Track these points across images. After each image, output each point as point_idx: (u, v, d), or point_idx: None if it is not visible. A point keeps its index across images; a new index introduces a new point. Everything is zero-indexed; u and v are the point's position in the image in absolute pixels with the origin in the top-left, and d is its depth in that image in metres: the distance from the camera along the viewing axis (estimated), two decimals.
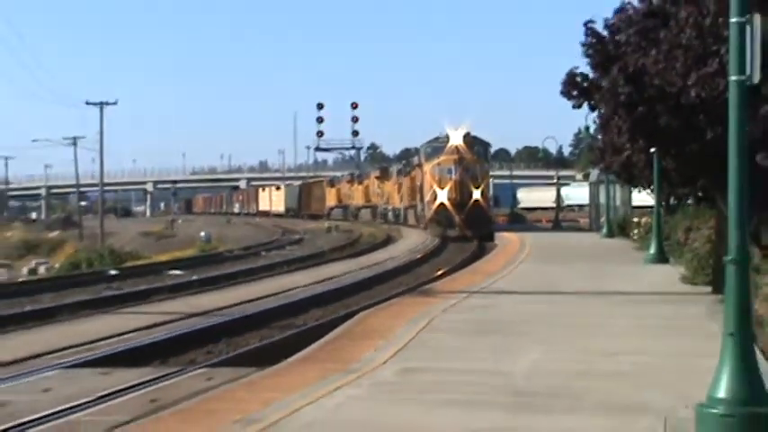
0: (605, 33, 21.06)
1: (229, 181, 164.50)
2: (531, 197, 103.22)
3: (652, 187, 29.67)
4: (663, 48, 17.76)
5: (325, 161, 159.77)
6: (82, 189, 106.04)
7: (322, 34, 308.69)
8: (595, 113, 25.12)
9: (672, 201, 33.61)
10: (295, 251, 50.70)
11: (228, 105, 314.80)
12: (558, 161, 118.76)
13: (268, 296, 25.67)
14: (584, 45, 20.68)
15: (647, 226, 36.28)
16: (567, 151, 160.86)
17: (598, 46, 20.57)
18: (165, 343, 17.48)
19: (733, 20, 8.92)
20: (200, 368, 14.73)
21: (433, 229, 51.47)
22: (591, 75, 21.17)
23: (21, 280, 43.51)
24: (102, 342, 17.72)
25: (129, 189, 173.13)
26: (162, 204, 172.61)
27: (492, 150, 61.07)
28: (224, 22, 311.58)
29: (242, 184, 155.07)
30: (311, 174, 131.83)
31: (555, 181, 77.68)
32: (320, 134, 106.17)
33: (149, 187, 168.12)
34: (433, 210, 51.92)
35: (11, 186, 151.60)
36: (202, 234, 69.81)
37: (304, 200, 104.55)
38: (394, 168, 70.82)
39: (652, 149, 23.28)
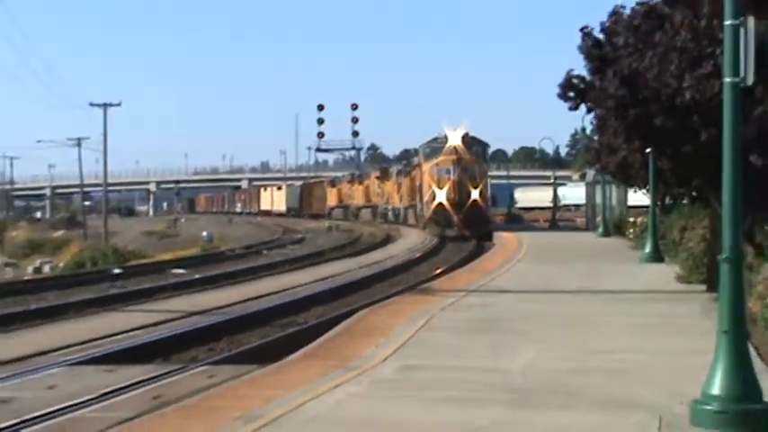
0: (602, 37, 21.10)
1: (231, 181, 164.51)
2: (528, 197, 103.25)
3: (648, 187, 29.70)
4: (658, 50, 17.77)
5: (325, 162, 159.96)
6: (86, 189, 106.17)
7: (322, 35, 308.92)
8: (592, 115, 25.21)
9: (667, 200, 33.61)
10: (296, 250, 50.71)
11: (230, 106, 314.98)
12: (555, 161, 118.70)
13: (269, 294, 25.66)
14: (580, 49, 20.73)
15: (642, 225, 36.28)
16: (563, 152, 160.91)
17: (595, 50, 20.60)
18: (167, 341, 17.49)
19: (727, 22, 8.94)
20: (202, 365, 14.73)
21: (431, 228, 51.45)
22: (588, 77, 21.21)
23: (26, 278, 43.52)
24: (106, 340, 17.72)
25: (133, 189, 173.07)
26: (165, 204, 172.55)
27: (490, 151, 61.01)
28: (225, 22, 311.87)
29: (244, 184, 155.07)
30: (312, 174, 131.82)
31: (552, 181, 77.66)
32: (321, 135, 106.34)
33: (152, 187, 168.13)
34: (432, 209, 51.92)
35: (16, 186, 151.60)
36: (205, 233, 69.81)
37: (305, 200, 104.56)
38: (394, 169, 70.82)
39: (647, 150, 23.32)
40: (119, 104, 77.30)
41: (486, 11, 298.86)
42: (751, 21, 8.89)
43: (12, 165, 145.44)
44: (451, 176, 51.51)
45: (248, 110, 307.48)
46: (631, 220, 41.89)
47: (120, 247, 59.24)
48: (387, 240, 52.51)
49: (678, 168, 21.78)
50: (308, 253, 46.15)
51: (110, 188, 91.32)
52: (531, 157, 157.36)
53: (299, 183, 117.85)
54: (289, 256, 45.08)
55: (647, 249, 29.46)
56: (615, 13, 20.55)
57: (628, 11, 20.40)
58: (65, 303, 24.97)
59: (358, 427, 9.10)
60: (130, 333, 18.59)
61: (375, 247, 47.94)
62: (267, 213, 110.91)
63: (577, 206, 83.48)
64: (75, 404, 11.47)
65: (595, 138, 31.00)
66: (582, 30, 20.67)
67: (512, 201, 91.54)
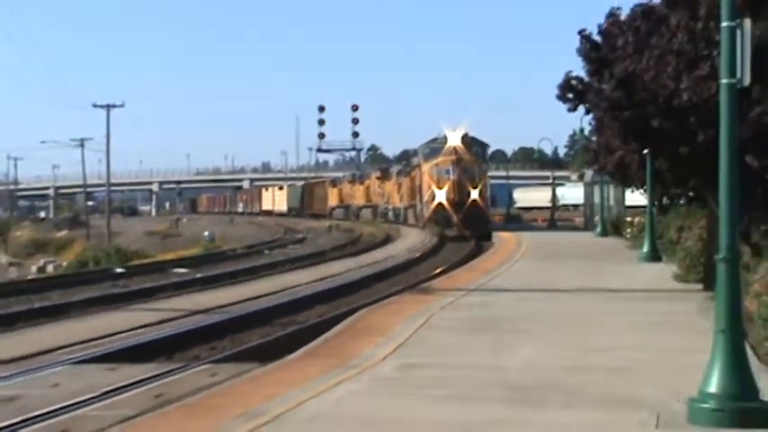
0: (599, 39, 21.11)
1: (233, 181, 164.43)
2: (527, 197, 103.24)
3: (645, 187, 29.70)
4: (654, 53, 17.78)
5: (326, 162, 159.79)
6: (89, 189, 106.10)
7: (322, 36, 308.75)
8: (590, 116, 25.22)
9: (664, 200, 33.60)
10: (297, 250, 50.71)
11: (231, 107, 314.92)
12: (554, 162, 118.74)
13: (270, 294, 25.65)
14: (579, 51, 20.75)
15: (640, 225, 36.29)
16: (562, 152, 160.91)
17: (593, 52, 20.62)
18: (170, 339, 17.49)
19: (724, 24, 8.95)
20: (204, 364, 14.74)
21: (431, 228, 51.38)
22: (586, 79, 21.22)
23: (30, 278, 43.56)
24: (109, 338, 17.72)
25: (135, 189, 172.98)
26: (167, 204, 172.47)
27: (489, 151, 60.96)
28: (226, 23, 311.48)
29: (245, 185, 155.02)
30: (313, 174, 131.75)
31: (550, 181, 77.67)
32: (321, 136, 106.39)
33: (155, 187, 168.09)
34: (432, 209, 51.84)
35: (20, 187, 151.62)
36: (206, 233, 69.80)
37: (306, 200, 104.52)
38: (394, 169, 70.77)
39: (645, 151, 23.34)
40: (122, 105, 77.28)
41: (486, 12, 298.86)
42: (747, 22, 8.90)
43: (16, 165, 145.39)
44: (451, 177, 51.41)
45: (249, 110, 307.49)
46: (629, 219, 41.90)
47: (123, 247, 59.28)
48: (387, 240, 52.48)
49: (675, 169, 21.81)
50: (308, 253, 46.14)
51: (113, 188, 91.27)
52: (529, 157, 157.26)
53: (301, 183, 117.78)
54: (290, 255, 45.08)
55: (645, 249, 29.48)
56: (612, 15, 20.58)
57: (624, 13, 20.45)
58: (68, 302, 24.97)
59: (358, 425, 9.10)
60: (133, 332, 18.59)
61: (375, 246, 47.90)
62: (268, 213, 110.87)
63: (576, 206, 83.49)
64: (79, 402, 11.48)
65: (593, 138, 31.03)
66: (580, 33, 20.70)
67: (511, 201, 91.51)
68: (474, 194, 51.36)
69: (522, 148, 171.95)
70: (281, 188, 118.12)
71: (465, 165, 51.75)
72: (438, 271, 30.79)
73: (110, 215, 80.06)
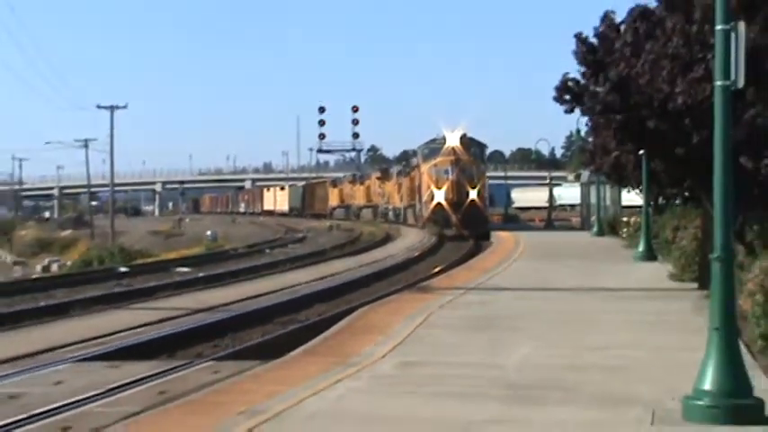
0: (595, 41, 21.11)
1: (235, 181, 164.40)
2: (524, 197, 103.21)
3: (641, 188, 29.71)
4: (649, 57, 17.77)
5: (326, 162, 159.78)
6: (93, 189, 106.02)
7: (323, 38, 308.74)
8: (586, 117, 25.20)
9: (660, 201, 33.58)
10: (297, 249, 50.69)
11: (233, 108, 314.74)
12: (551, 162, 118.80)
13: (271, 292, 25.65)
14: (575, 54, 20.75)
15: (636, 225, 36.28)
16: (559, 153, 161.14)
17: (589, 55, 20.62)
18: (172, 337, 17.48)
19: (718, 27, 8.95)
20: (206, 361, 14.72)
21: (430, 228, 51.35)
22: (582, 81, 21.22)
23: (35, 277, 43.57)
24: (113, 336, 17.72)
25: (139, 189, 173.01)
26: (170, 204, 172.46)
27: (488, 152, 60.90)
28: (228, 25, 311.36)
29: (247, 185, 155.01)
30: (314, 175, 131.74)
31: (548, 182, 77.62)
32: (322, 137, 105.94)
33: (158, 187, 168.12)
34: (431, 209, 51.79)
35: (25, 187, 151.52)
36: (209, 233, 69.80)
37: (308, 200, 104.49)
38: (394, 169, 70.73)
39: (641, 152, 23.33)
40: (125, 107, 77.35)
41: (484, 14, 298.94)
42: (741, 25, 8.91)
43: (21, 166, 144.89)
44: (450, 177, 51.35)
45: (251, 111, 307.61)
46: (625, 219, 41.87)
47: (127, 246, 59.29)
48: (386, 239, 52.46)
49: (671, 169, 21.80)
50: (309, 252, 46.14)
51: (116, 188, 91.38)
52: (527, 158, 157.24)
53: (302, 183, 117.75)
54: (290, 254, 45.07)
55: (641, 248, 29.48)
56: (606, 18, 20.59)
57: (619, 16, 20.45)
58: (72, 301, 24.98)
59: (358, 422, 9.10)
60: (136, 330, 18.60)
61: (375, 246, 47.89)
62: (270, 213, 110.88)
63: (572, 206, 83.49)
64: (82, 399, 11.47)
65: (590, 139, 31.03)
66: (576, 36, 20.70)
67: (509, 201, 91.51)
68: (472, 194, 51.30)
69: (519, 149, 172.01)
70: (282, 188, 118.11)
71: (463, 165, 51.69)
72: (437, 270, 30.79)
73: (113, 215, 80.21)
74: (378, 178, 74.97)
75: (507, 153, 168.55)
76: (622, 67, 18.75)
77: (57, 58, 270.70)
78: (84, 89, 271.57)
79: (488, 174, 59.05)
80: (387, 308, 18.14)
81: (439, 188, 51.48)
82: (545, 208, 73.06)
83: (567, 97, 21.30)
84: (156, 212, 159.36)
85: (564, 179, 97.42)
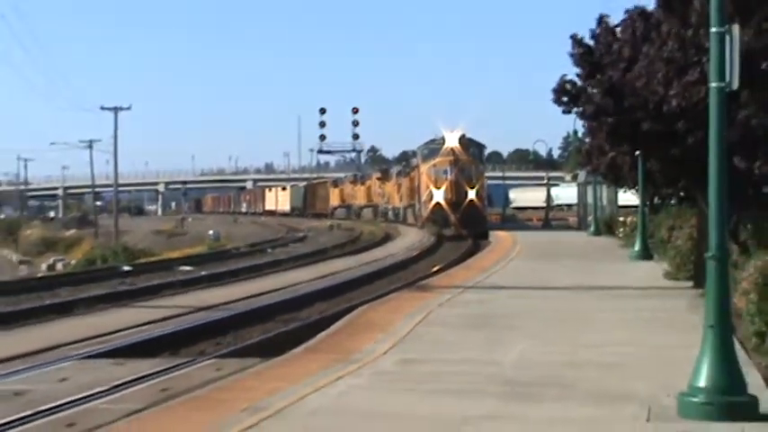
0: (592, 43, 21.12)
1: (237, 182, 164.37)
2: (522, 197, 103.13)
3: (637, 188, 29.72)
4: (645, 61, 17.78)
5: (327, 163, 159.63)
6: (97, 189, 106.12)
7: (323, 38, 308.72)
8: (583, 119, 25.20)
9: (656, 200, 33.62)
10: (299, 248, 50.66)
11: (235, 109, 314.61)
12: (548, 163, 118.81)
13: (273, 291, 25.64)
14: (572, 56, 20.77)
15: (632, 224, 36.29)
16: (556, 154, 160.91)
17: (585, 56, 20.63)
18: (175, 335, 17.48)
19: (713, 30, 8.96)
20: (209, 359, 14.73)
21: (429, 227, 51.28)
22: (579, 83, 21.23)
23: (40, 275, 43.55)
24: (117, 334, 17.71)
25: (142, 189, 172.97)
26: (173, 204, 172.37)
27: (486, 152, 60.84)
28: (229, 27, 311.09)
29: (248, 185, 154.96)
30: (314, 175, 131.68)
31: (545, 182, 77.69)
32: (323, 137, 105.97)
33: (161, 188, 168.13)
34: (430, 209, 51.72)
35: (30, 187, 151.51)
36: (211, 232, 69.77)
37: (309, 200, 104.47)
38: (394, 170, 70.71)
39: (637, 152, 23.36)
40: (128, 108, 77.14)
41: (483, 15, 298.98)
42: (736, 28, 8.93)
43: (26, 166, 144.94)
44: (448, 177, 51.27)
45: (252, 112, 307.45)
46: (621, 219, 41.87)
47: (130, 246, 59.23)
48: (386, 239, 52.42)
49: (666, 170, 21.84)
50: (310, 251, 46.12)
51: (120, 189, 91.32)
52: (525, 158, 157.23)
53: (303, 183, 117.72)
54: (292, 253, 45.03)
55: (637, 247, 29.50)
56: (602, 21, 20.62)
57: (615, 19, 20.48)
58: (76, 299, 24.96)
59: (358, 418, 9.11)
60: (139, 328, 18.60)
61: (375, 245, 47.87)
62: (271, 213, 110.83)
63: (569, 206, 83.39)
64: (86, 396, 11.47)
65: (587, 140, 31.02)
66: (572, 37, 20.72)
67: (507, 201, 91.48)
68: (471, 194, 51.22)
69: (517, 150, 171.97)
70: (284, 188, 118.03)
71: (462, 165, 51.62)
72: (436, 269, 30.77)
73: (117, 214, 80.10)
74: (378, 178, 74.96)
75: (505, 154, 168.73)
76: (620, 68, 18.78)
77: (59, 60, 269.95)
78: (86, 90, 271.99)
79: (487, 174, 59.02)
80: (387, 306, 18.15)
81: (438, 188, 51.42)
82: (542, 208, 73.04)
83: (565, 99, 21.33)
84: (159, 212, 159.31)
85: (561, 179, 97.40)
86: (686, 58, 16.58)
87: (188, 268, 37.77)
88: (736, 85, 8.91)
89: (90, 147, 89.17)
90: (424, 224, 52.57)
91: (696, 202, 20.84)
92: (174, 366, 13.80)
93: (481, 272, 25.48)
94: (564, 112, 21.78)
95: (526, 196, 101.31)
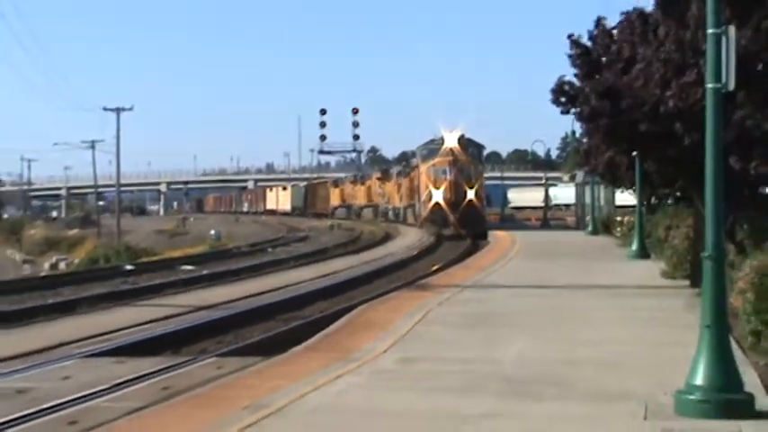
0: (589, 44, 21.14)
1: (238, 182, 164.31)
2: (521, 197, 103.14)
3: (634, 188, 29.71)
4: (643, 63, 17.79)
5: (327, 163, 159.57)
6: (100, 189, 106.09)
7: (324, 39, 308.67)
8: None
9: (653, 200, 33.62)
10: (299, 248, 50.65)
11: (236, 110, 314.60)
12: (546, 163, 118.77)
13: (274, 290, 25.64)
14: (570, 58, 20.79)
15: (629, 224, 36.31)
16: (554, 154, 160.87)
17: (583, 57, 20.65)
18: (177, 334, 17.47)
19: (710, 31, 8.96)
20: (210, 357, 14.72)
21: (428, 227, 51.21)
22: (577, 83, 21.26)
23: (43, 274, 43.57)
24: (119, 333, 17.71)
25: (144, 189, 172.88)
26: (175, 204, 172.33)
27: (485, 153, 60.78)
28: (230, 28, 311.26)
29: (250, 185, 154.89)
30: (315, 175, 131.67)
31: (543, 182, 77.64)
32: (323, 138, 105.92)
33: (163, 188, 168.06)
34: (429, 209, 51.66)
35: (33, 187, 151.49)
36: (212, 232, 69.75)
37: (310, 199, 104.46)
38: (394, 170, 70.69)
39: (634, 153, 23.37)
40: (131, 109, 77.13)
41: (482, 17, 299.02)
42: (732, 30, 8.93)
43: (29, 166, 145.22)
44: (448, 177, 51.20)
45: (253, 113, 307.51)
46: (619, 219, 41.90)
47: (132, 245, 59.23)
48: (386, 238, 52.39)
49: (663, 170, 21.85)
50: (311, 250, 46.11)
51: (122, 189, 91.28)
52: (523, 159, 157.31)
53: (304, 183, 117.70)
54: (292, 253, 45.02)
55: (634, 247, 29.50)
56: (599, 23, 20.64)
57: (612, 21, 20.51)
58: (79, 298, 24.96)
59: (358, 416, 9.10)
60: (141, 326, 18.59)
61: (375, 244, 47.86)
62: (272, 213, 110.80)
63: (567, 206, 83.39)
64: (89, 394, 11.47)
65: (584, 141, 31.04)
66: (569, 37, 20.74)
67: (505, 201, 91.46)
68: (470, 194, 51.13)
69: (516, 150, 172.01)
70: (284, 188, 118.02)
71: (461, 165, 51.56)
72: (435, 268, 30.76)
73: (120, 214, 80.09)
74: (378, 179, 74.95)
75: (504, 154, 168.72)
76: (618, 68, 18.79)
77: (60, 60, 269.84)
78: (88, 90, 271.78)
79: (485, 174, 58.97)
80: (386, 305, 18.15)
81: (437, 188, 51.36)
82: (541, 208, 73.03)
83: (563, 99, 21.36)
84: (161, 212, 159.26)
85: (559, 180, 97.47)
86: (684, 59, 16.58)
87: (190, 267, 37.77)
88: (732, 85, 8.91)
89: (92, 147, 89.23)
90: (424, 224, 52.50)
91: (693, 202, 20.84)
92: (175, 365, 13.78)
93: (480, 271, 25.48)
94: (562, 112, 21.83)
95: (524, 196, 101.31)
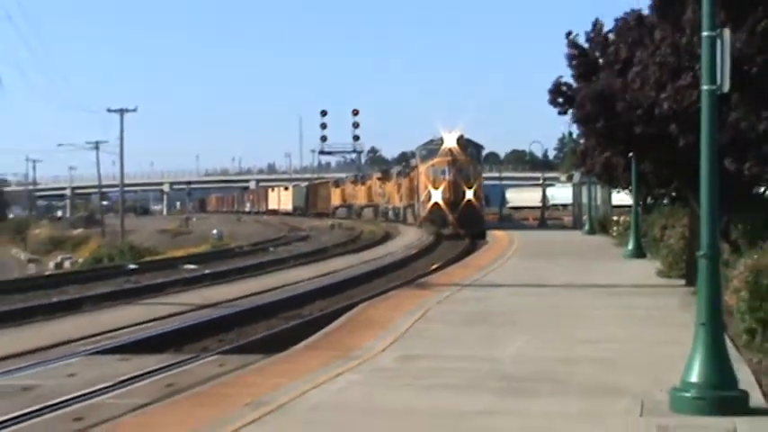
0: (586, 45, 21.13)
1: (240, 182, 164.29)
2: (518, 197, 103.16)
3: (630, 188, 29.73)
4: (639, 66, 17.79)
5: (328, 164, 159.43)
6: (104, 189, 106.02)
7: (324, 40, 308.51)
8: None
9: (649, 200, 33.64)
10: (300, 247, 50.64)
11: (238, 110, 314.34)
12: (544, 164, 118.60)
13: (275, 288, 25.65)
14: (567, 57, 20.78)
15: (625, 224, 36.29)
16: (552, 155, 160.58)
17: (580, 57, 20.64)
18: (180, 332, 17.48)
19: (705, 34, 8.97)
20: (212, 355, 14.73)
21: (427, 227, 51.18)
22: (574, 84, 21.25)
23: (48, 273, 43.56)
24: (123, 331, 17.72)
25: (148, 189, 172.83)
26: (177, 204, 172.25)
27: (483, 153, 60.72)
28: (232, 30, 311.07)
29: (251, 185, 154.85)
30: (316, 175, 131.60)
31: (541, 182, 77.63)
32: (324, 139, 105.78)
33: (166, 188, 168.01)
34: (428, 209, 51.63)
35: (38, 187, 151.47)
36: (215, 231, 69.73)
37: (311, 199, 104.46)
38: (394, 170, 70.68)
39: (630, 154, 23.38)
40: (134, 110, 77.12)
41: (481, 18, 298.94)
42: (726, 32, 8.94)
43: (35, 167, 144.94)
44: (447, 177, 51.16)
45: (255, 114, 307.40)
46: (615, 218, 41.89)
47: (136, 244, 59.17)
48: (386, 238, 52.36)
49: (659, 171, 21.86)
50: (311, 249, 46.10)
51: (126, 189, 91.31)
52: (521, 159, 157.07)
53: (305, 183, 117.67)
54: (294, 252, 45.03)
55: (630, 246, 29.50)
56: (596, 26, 20.64)
57: (608, 24, 20.52)
58: (84, 297, 24.97)
59: (358, 414, 9.11)
60: (145, 324, 18.59)
61: (375, 244, 47.84)
62: (274, 212, 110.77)
63: (565, 206, 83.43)
64: (94, 391, 11.48)
65: (581, 142, 31.04)
66: (567, 35, 20.74)
67: (504, 201, 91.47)
68: (469, 194, 51.09)
69: (513, 151, 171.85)
70: (286, 188, 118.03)
71: (460, 165, 51.53)
72: (434, 267, 30.75)
73: (123, 214, 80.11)
74: (378, 179, 74.94)
75: (502, 155, 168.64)
76: (615, 69, 18.78)
77: (64, 61, 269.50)
78: (91, 91, 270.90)
79: (484, 174, 58.92)
80: (386, 303, 18.15)
81: (436, 188, 51.33)
82: (538, 207, 72.99)
83: (560, 100, 21.36)
84: (164, 212, 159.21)
85: (557, 180, 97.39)
86: (679, 62, 16.59)
87: (192, 266, 37.77)
88: (727, 87, 8.92)
89: (96, 148, 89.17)
90: (423, 223, 52.47)
91: (688, 203, 20.85)
92: (178, 362, 13.80)
93: (479, 270, 25.48)
94: (559, 113, 21.84)
95: (522, 196, 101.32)
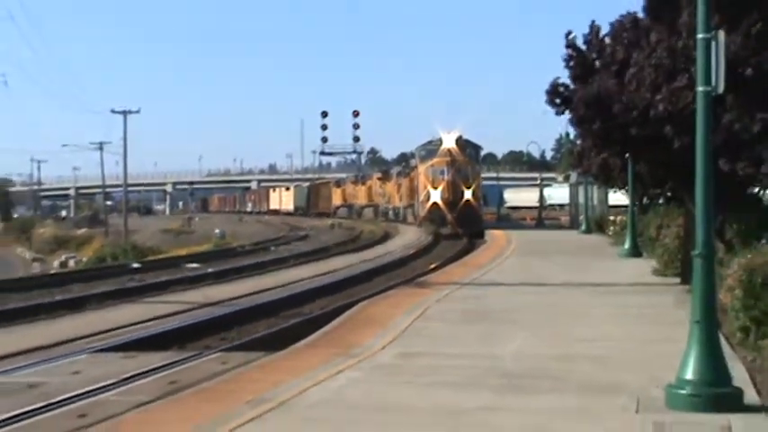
0: (584, 47, 21.14)
1: (242, 182, 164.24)
2: (516, 197, 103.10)
3: (627, 188, 29.74)
4: (633, 70, 17.80)
5: (329, 164, 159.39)
6: (107, 189, 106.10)
7: (325, 40, 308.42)
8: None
9: (644, 200, 33.64)
10: (301, 246, 50.65)
11: (240, 111, 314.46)
12: (541, 164, 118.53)
13: (277, 287, 25.66)
14: (564, 58, 20.79)
15: (622, 223, 36.31)
16: (549, 155, 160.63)
17: (577, 59, 20.64)
18: (183, 330, 17.49)
19: (700, 36, 8.98)
20: (215, 353, 14.74)
21: (426, 227, 51.17)
22: (572, 85, 21.26)
23: (52, 272, 43.59)
24: (126, 329, 17.73)
25: (151, 189, 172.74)
26: (180, 203, 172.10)
27: (482, 153, 60.74)
28: (234, 33, 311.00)
29: (253, 185, 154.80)
30: (316, 176, 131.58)
31: (538, 182, 77.58)
32: (324, 140, 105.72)
33: (169, 188, 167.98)
34: (427, 209, 51.64)
35: (43, 187, 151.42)
36: (217, 231, 69.76)
37: (312, 199, 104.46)
38: (394, 170, 70.71)
39: (626, 155, 23.40)
40: (138, 111, 77.06)
41: (480, 18, 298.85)
42: (721, 34, 8.95)
43: (39, 167, 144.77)
44: (445, 177, 51.18)
45: (257, 115, 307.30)
46: (612, 218, 41.91)
47: (139, 244, 59.22)
48: (386, 237, 52.37)
49: (654, 172, 21.88)
50: (312, 249, 46.11)
51: (129, 189, 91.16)
52: (518, 160, 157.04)
53: (306, 184, 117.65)
54: (294, 251, 45.04)
55: (626, 245, 29.51)
56: (592, 29, 20.65)
57: (606, 26, 20.52)
58: (87, 295, 24.97)
59: (358, 411, 9.10)
60: (148, 323, 18.60)
61: (375, 243, 47.86)
62: (275, 212, 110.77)
63: (562, 206, 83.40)
64: (98, 388, 11.48)
65: (578, 142, 31.06)
66: (566, 36, 20.74)
67: (501, 201, 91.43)
68: (467, 194, 51.10)
69: (511, 152, 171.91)
70: (287, 188, 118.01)
71: (459, 166, 51.55)
72: (433, 266, 30.76)
73: (127, 214, 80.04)
74: (379, 179, 74.95)
75: (499, 155, 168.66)
76: (612, 71, 18.79)
77: (68, 62, 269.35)
78: (95, 92, 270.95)
79: (482, 175, 58.92)
80: (386, 302, 18.15)
81: (435, 188, 51.35)
82: (536, 207, 72.99)
83: (558, 101, 21.36)
84: (167, 212, 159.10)
85: (554, 180, 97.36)
86: (675, 64, 16.60)
87: (195, 265, 37.78)
88: (721, 88, 8.93)
89: (100, 148, 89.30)
90: (422, 223, 52.47)
91: (683, 203, 20.86)
92: (181, 360, 13.81)
93: (477, 269, 25.48)
94: (557, 113, 21.83)
95: (520, 196, 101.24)
